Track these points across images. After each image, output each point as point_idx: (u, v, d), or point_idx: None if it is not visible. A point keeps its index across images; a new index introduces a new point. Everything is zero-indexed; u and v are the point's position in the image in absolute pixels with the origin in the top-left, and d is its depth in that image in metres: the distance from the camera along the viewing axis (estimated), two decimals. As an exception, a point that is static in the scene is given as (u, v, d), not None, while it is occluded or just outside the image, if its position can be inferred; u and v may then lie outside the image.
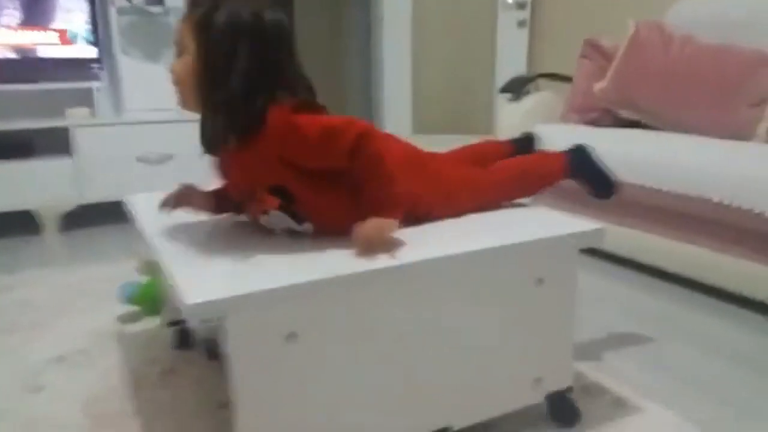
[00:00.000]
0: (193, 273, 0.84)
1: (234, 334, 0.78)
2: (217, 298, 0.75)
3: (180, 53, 0.99)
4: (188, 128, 2.59)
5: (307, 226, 1.00)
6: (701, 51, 2.02)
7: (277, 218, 1.00)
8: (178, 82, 1.00)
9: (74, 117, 2.53)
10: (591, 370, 1.30)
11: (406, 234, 0.98)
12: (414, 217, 1.05)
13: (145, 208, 1.25)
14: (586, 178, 1.31)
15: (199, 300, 0.74)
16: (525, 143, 1.42)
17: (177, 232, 1.07)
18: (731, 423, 1.12)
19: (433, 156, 1.20)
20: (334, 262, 0.88)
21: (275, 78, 0.96)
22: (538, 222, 1.10)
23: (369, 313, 0.88)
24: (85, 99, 2.63)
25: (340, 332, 0.86)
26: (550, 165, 1.29)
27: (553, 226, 1.06)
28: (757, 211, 1.50)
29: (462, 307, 0.96)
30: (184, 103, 1.01)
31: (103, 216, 2.62)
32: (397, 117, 3.73)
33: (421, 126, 3.72)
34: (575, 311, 1.09)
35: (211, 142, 0.99)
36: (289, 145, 0.92)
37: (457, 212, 1.12)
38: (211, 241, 1.02)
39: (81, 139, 2.46)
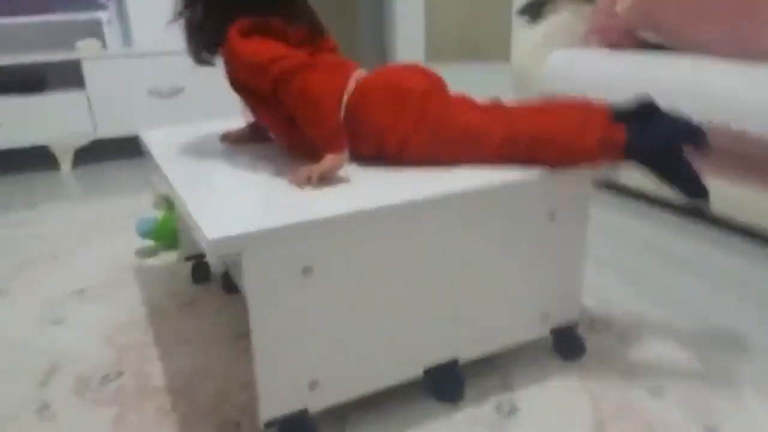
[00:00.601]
0: (211, 209, 0.84)
1: (251, 268, 0.79)
2: (236, 233, 0.76)
3: None
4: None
5: None
6: (733, -32, 1.89)
7: None
8: None
9: (84, 49, 2.49)
10: (597, 304, 1.32)
11: (415, 172, 0.97)
12: (381, 153, 1.01)
13: (161, 143, 1.25)
14: (659, 171, 0.95)
15: (219, 235, 0.75)
16: (637, 112, 0.99)
17: (193, 168, 1.07)
18: (734, 357, 1.13)
19: (447, 98, 1.04)
20: (347, 198, 0.88)
21: None
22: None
23: (381, 248, 0.88)
24: (95, 31, 2.58)
25: (354, 266, 0.87)
26: (589, 135, 0.93)
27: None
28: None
29: (472, 241, 0.96)
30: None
31: (117, 150, 2.64)
32: (409, 45, 3.62)
33: (434, 54, 3.61)
34: (586, 246, 1.09)
35: (191, 56, 1.08)
36: (230, 66, 1.01)
37: (446, 161, 0.99)
38: (227, 177, 1.02)
39: (92, 72, 2.43)
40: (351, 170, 0.99)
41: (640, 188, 1.90)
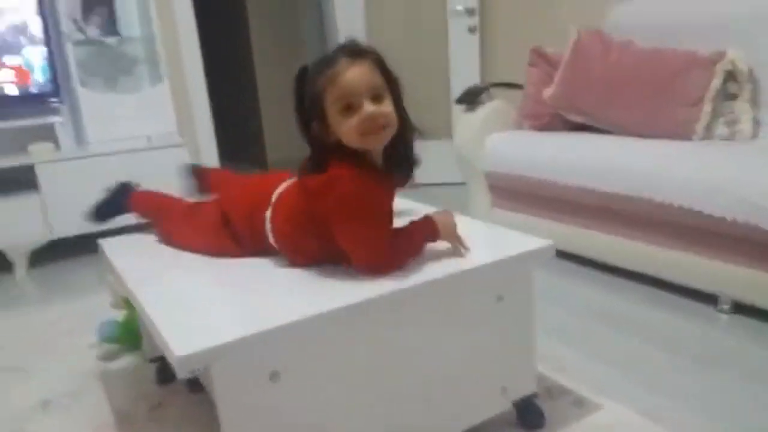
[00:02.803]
0: (177, 323, 0.89)
1: (219, 378, 0.84)
2: (204, 348, 0.81)
3: (376, 97, 1.01)
4: (152, 156, 2.63)
5: None
6: (638, 55, 2.14)
7: None
8: (388, 125, 1.03)
9: (37, 153, 2.53)
10: (551, 372, 1.40)
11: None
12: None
13: (120, 251, 1.30)
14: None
15: (187, 352, 0.80)
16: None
17: (155, 278, 1.13)
18: (690, 418, 1.22)
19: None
20: (310, 300, 0.94)
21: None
22: (491, 241, 1.19)
23: (345, 347, 0.95)
24: (47, 133, 2.63)
25: (320, 367, 0.93)
26: None
27: (508, 245, 1.15)
28: (696, 209, 1.62)
29: (428, 329, 1.04)
30: (383, 142, 1.05)
31: (72, 249, 2.63)
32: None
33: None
34: (535, 317, 1.19)
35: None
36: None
37: None
38: (189, 285, 1.08)
39: (46, 174, 2.47)
40: (295, 277, 1.07)
41: (580, 253, 2.05)
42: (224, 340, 0.83)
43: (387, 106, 1.02)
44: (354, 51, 1.02)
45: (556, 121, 2.36)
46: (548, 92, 2.31)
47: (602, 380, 1.36)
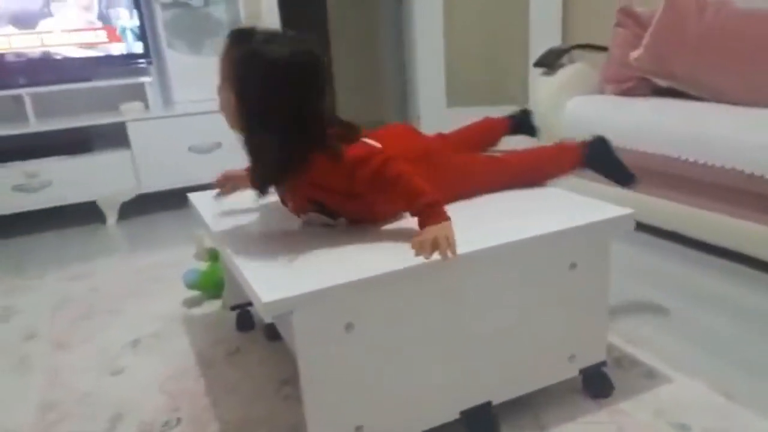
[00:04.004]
0: (263, 273, 0.94)
1: (300, 325, 0.88)
2: (287, 296, 0.85)
3: (222, 82, 1.06)
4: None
5: (341, 221, 1.14)
6: (737, 15, 1.99)
7: (314, 217, 1.15)
8: (222, 109, 1.09)
9: (128, 112, 2.68)
10: (623, 342, 1.38)
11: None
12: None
13: (209, 205, 1.37)
14: (604, 171, 1.42)
15: (272, 299, 0.85)
16: (521, 118, 1.56)
17: (241, 230, 1.19)
18: (760, 392, 1.18)
19: (438, 145, 1.33)
20: (383, 258, 0.97)
21: (313, 122, 1.04)
22: (569, 208, 1.17)
23: (416, 303, 0.97)
24: (138, 93, 2.77)
25: (392, 320, 0.96)
26: (565, 157, 1.40)
27: (585, 212, 1.13)
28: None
29: (501, 291, 1.04)
30: (232, 126, 1.09)
31: (158, 203, 2.79)
32: (430, 90, 3.76)
33: (455, 99, 3.74)
34: (609, 288, 1.16)
35: (260, 189, 1.11)
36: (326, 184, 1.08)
37: (468, 196, 1.25)
38: (273, 238, 1.13)
39: (136, 132, 2.61)
40: (381, 229, 1.10)
41: (662, 225, 1.97)
42: (305, 290, 0.87)
43: (223, 95, 1.07)
44: (235, 37, 1.05)
45: (641, 85, 2.25)
46: (636, 54, 2.19)
47: (675, 354, 1.32)
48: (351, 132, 1.11)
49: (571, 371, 1.16)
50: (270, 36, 1.04)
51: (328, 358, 0.92)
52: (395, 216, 1.15)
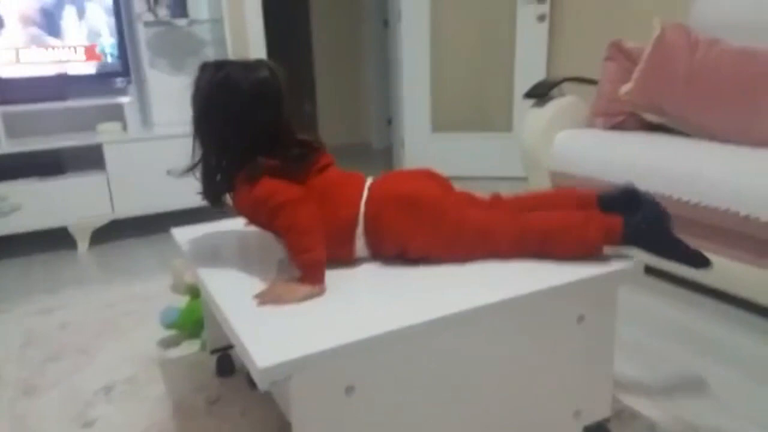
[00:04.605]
0: (257, 332, 0.87)
1: (297, 390, 0.81)
2: (285, 360, 0.78)
3: None
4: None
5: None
6: (727, 54, 1.99)
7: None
8: None
9: (105, 133, 2.58)
10: (623, 393, 1.32)
11: (438, 281, 1.01)
12: (404, 255, 1.09)
13: (195, 244, 1.29)
14: (654, 252, 1.07)
15: (269, 363, 0.78)
16: (620, 198, 1.13)
17: (232, 275, 1.10)
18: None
19: (451, 200, 1.14)
20: (385, 313, 0.90)
21: (255, 140, 1.09)
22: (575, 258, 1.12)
23: (420, 361, 0.91)
24: (116, 113, 2.67)
25: (394, 381, 0.89)
26: (589, 230, 1.06)
27: (593, 262, 1.07)
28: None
29: (507, 348, 0.99)
30: None
31: (131, 228, 2.68)
32: (416, 115, 3.73)
33: (440, 124, 3.72)
34: (614, 339, 1.11)
35: (207, 199, 1.18)
36: (239, 206, 1.16)
37: (464, 258, 1.08)
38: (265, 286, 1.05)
39: (112, 154, 2.51)
40: (378, 275, 1.05)
41: (666, 269, 1.94)
42: (305, 352, 0.80)
43: None
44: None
45: (631, 120, 2.24)
46: (625, 88, 2.18)
47: (678, 405, 1.28)
48: (309, 152, 1.13)
49: (576, 428, 1.11)
50: (221, 64, 1.12)
51: (327, 424, 0.85)
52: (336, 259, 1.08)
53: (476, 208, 1.15)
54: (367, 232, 1.09)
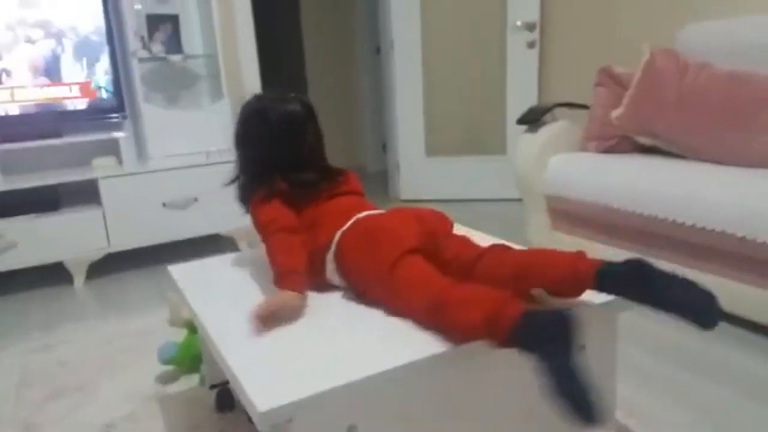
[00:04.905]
0: (257, 373, 0.86)
1: (299, 431, 0.80)
2: (286, 402, 0.78)
3: None
4: (210, 171, 2.66)
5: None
6: (717, 78, 2.03)
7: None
8: None
9: (100, 168, 2.59)
10: (625, 417, 1.32)
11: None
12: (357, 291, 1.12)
13: (193, 283, 1.29)
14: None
15: (270, 406, 0.77)
16: (625, 272, 0.91)
17: (228, 314, 1.10)
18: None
19: (420, 244, 1.06)
20: (386, 350, 0.90)
21: (274, 163, 1.25)
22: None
23: (423, 398, 0.90)
24: (111, 147, 2.68)
25: (397, 419, 0.88)
26: (472, 311, 0.87)
27: (592, 292, 1.07)
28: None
29: (511, 381, 0.98)
30: None
31: (127, 261, 2.67)
32: (410, 140, 3.77)
33: (434, 148, 3.75)
34: (615, 365, 1.11)
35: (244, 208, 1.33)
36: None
37: (394, 306, 1.02)
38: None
39: (108, 189, 2.51)
40: (373, 310, 1.05)
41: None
42: (305, 393, 0.79)
43: None
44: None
45: (624, 143, 2.26)
46: (617, 113, 2.21)
47: (679, 427, 1.27)
48: (321, 180, 1.26)
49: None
50: (262, 96, 1.33)
51: (329, 464, 0.84)
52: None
53: (431, 259, 1.05)
54: (336, 258, 1.14)
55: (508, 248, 1.09)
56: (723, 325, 1.75)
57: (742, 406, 1.36)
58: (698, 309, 0.86)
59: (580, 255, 0.98)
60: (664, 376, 1.52)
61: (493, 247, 1.09)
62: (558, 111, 2.45)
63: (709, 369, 1.54)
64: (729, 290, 1.69)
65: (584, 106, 2.41)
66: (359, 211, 1.18)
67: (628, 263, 0.92)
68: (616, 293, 0.94)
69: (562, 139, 2.35)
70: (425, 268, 1.02)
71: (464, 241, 1.14)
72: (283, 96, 1.28)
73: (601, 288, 0.94)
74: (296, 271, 1.08)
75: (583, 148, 2.35)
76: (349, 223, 1.15)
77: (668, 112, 2.09)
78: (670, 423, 1.30)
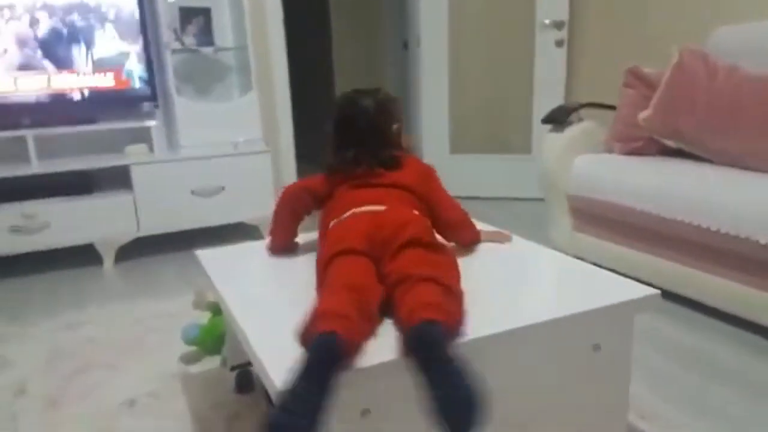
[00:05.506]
0: (279, 354, 0.89)
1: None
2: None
3: None
4: (238, 161, 2.72)
5: None
6: (749, 80, 2.00)
7: None
8: None
9: (133, 155, 2.66)
10: (638, 418, 1.32)
11: (469, 302, 1.02)
12: None
13: (220, 267, 1.32)
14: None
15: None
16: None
17: (253, 298, 1.14)
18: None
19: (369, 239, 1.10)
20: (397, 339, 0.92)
21: (340, 143, 1.38)
22: (592, 285, 1.13)
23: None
24: (143, 135, 2.76)
25: (410, 404, 0.90)
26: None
27: (610, 290, 1.09)
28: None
29: (522, 374, 1.00)
30: None
31: (155, 245, 2.75)
32: (434, 137, 3.78)
33: (459, 146, 3.75)
34: (631, 366, 1.12)
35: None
36: None
37: None
38: (287, 311, 1.06)
39: (139, 175, 2.58)
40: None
41: (670, 288, 1.93)
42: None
43: None
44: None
45: (649, 145, 2.25)
46: (644, 115, 2.20)
47: (694, 430, 1.28)
48: (352, 165, 1.31)
49: (591, 455, 1.11)
50: (353, 90, 1.47)
51: (343, 447, 0.87)
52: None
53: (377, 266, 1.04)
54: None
55: (422, 282, 0.95)
56: (741, 332, 1.74)
57: (758, 413, 1.36)
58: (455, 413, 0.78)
59: (427, 308, 0.88)
60: (678, 378, 1.52)
61: (411, 278, 0.97)
62: (584, 111, 2.44)
63: (724, 374, 1.53)
64: (752, 298, 1.68)
65: (611, 107, 2.40)
66: (367, 205, 1.18)
67: (421, 337, 0.84)
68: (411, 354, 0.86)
69: (587, 139, 2.35)
70: (349, 269, 1.01)
71: (409, 260, 1.02)
72: (366, 90, 1.44)
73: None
74: (278, 245, 1.38)
75: (608, 149, 2.34)
76: (345, 215, 1.18)
77: (697, 114, 2.07)
78: (683, 426, 1.30)
